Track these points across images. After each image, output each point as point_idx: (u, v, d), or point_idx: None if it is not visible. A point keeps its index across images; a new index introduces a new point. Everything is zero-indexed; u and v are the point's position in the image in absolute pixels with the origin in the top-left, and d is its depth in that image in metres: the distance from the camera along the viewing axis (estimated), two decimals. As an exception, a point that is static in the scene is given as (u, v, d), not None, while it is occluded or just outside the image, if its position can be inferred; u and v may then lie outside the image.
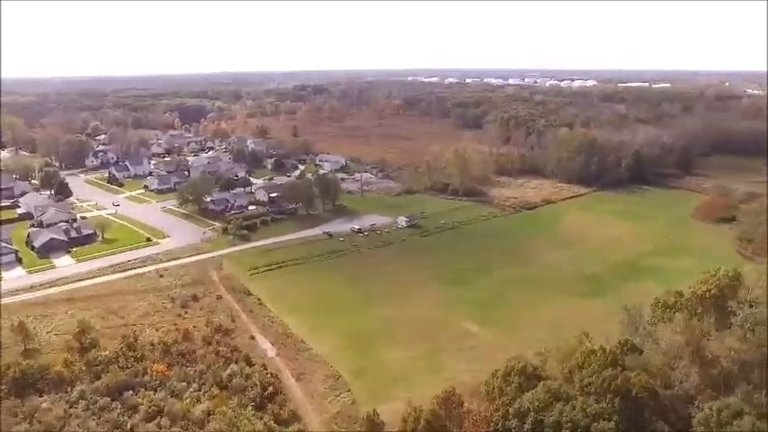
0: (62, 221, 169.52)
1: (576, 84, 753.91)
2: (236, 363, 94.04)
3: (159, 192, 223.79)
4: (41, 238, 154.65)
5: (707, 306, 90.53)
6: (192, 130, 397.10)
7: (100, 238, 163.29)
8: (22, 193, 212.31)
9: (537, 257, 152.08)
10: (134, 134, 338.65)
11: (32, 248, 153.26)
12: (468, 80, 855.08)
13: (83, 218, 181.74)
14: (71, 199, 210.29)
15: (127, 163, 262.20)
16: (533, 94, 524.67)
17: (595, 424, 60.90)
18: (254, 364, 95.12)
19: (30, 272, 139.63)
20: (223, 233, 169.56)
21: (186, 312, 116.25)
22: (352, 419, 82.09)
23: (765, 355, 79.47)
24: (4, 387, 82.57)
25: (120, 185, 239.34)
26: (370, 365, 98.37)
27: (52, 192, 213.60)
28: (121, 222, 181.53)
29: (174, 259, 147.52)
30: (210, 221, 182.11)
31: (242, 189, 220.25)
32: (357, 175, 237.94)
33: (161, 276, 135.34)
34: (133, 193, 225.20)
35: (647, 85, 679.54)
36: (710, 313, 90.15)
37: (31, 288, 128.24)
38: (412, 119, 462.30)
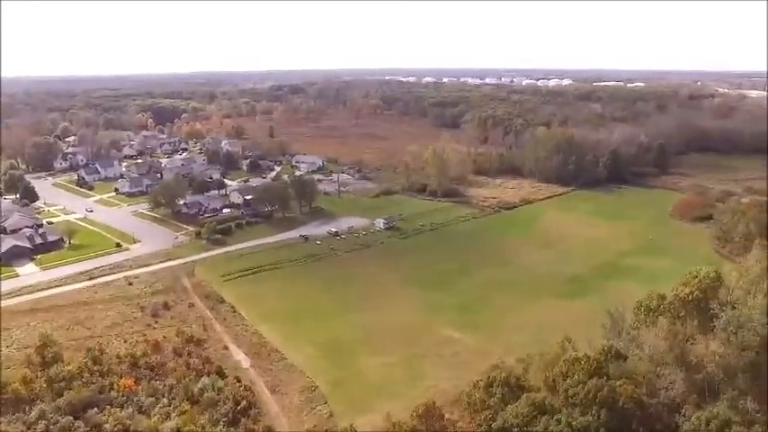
0: (26, 227, 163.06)
1: (553, 83, 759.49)
2: (207, 375, 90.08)
3: (130, 195, 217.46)
4: (3, 245, 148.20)
5: (689, 309, 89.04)
6: (166, 131, 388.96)
7: (67, 245, 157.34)
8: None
9: (517, 258, 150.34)
10: (105, 135, 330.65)
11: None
12: (445, 80, 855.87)
13: (49, 223, 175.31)
14: (37, 203, 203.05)
15: (97, 165, 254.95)
16: (510, 94, 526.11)
17: (582, 437, 58.68)
18: (226, 377, 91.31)
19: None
20: (196, 237, 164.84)
21: (156, 322, 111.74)
22: (330, 434, 78.90)
23: (749, 358, 78.46)
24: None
25: (90, 189, 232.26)
26: (348, 375, 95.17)
27: (17, 196, 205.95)
28: (90, 227, 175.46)
29: (145, 266, 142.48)
30: (183, 225, 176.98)
31: (216, 191, 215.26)
32: (334, 176, 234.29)
33: (130, 284, 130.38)
34: (103, 197, 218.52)
35: (621, 84, 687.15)
36: (693, 316, 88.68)
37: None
38: (389, 118, 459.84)
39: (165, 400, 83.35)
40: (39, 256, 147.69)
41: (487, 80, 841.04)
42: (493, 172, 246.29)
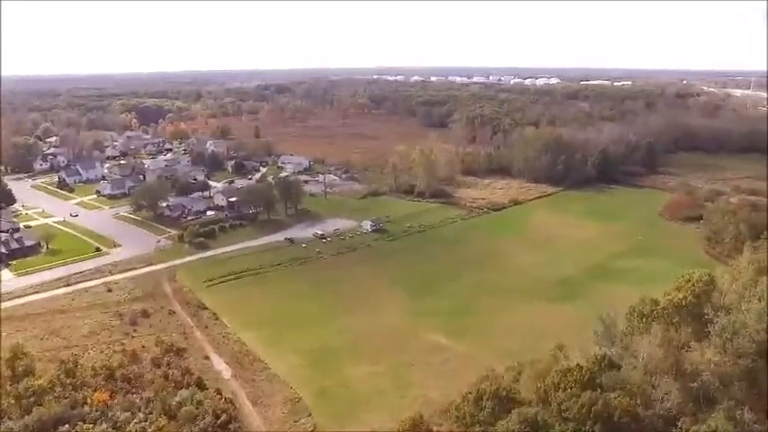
0: (1, 232, 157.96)
1: (540, 82, 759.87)
2: (187, 387, 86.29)
3: (112, 197, 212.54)
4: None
5: (683, 315, 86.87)
6: (150, 132, 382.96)
7: (44, 250, 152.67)
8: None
9: (506, 261, 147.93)
10: (88, 136, 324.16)
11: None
12: (433, 78, 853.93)
13: (27, 227, 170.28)
14: (15, 206, 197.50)
15: (78, 167, 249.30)
16: (498, 93, 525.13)
17: (575, 454, 56.06)
18: (206, 388, 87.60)
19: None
20: (179, 241, 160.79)
21: (135, 330, 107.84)
22: (313, 449, 75.82)
23: (745, 366, 76.42)
24: None
25: (71, 191, 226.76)
26: (334, 385, 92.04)
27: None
28: (69, 231, 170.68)
29: (125, 271, 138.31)
30: (166, 228, 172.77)
31: (200, 193, 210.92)
32: (320, 177, 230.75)
33: (109, 290, 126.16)
34: (84, 199, 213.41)
35: (608, 83, 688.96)
36: (687, 322, 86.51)
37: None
38: (377, 118, 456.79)
39: (142, 415, 79.40)
40: (14, 262, 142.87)
41: (475, 79, 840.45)
42: (481, 172, 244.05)
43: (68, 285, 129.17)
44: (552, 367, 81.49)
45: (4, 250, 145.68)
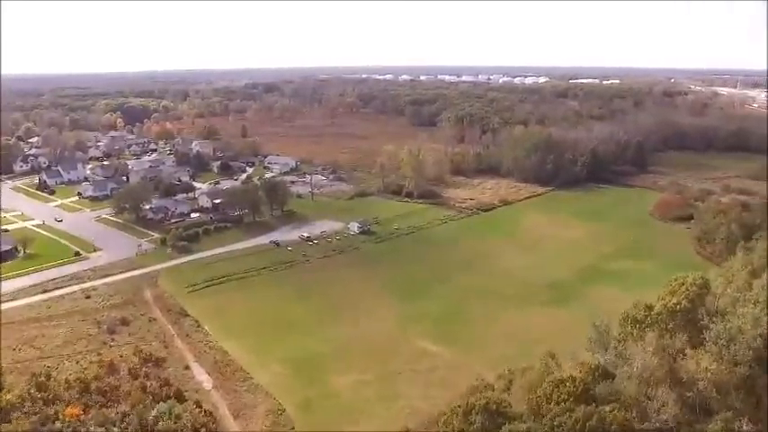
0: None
1: (529, 80, 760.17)
2: (165, 400, 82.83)
3: (94, 199, 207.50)
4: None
5: (678, 320, 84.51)
6: (136, 132, 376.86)
7: (21, 254, 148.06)
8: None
9: (496, 263, 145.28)
10: (70, 136, 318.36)
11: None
12: (422, 77, 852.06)
13: (4, 230, 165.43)
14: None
15: (59, 168, 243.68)
16: (487, 91, 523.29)
17: (570, 472, 53.31)
18: (186, 401, 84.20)
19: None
20: (161, 245, 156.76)
21: (113, 339, 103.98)
22: (296, 465, 72.63)
23: (742, 374, 74.16)
24: None
25: (51, 193, 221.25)
26: (319, 395, 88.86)
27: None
28: (48, 235, 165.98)
29: (105, 276, 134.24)
30: (148, 232, 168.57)
31: (184, 195, 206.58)
32: (308, 178, 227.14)
33: (87, 297, 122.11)
34: (65, 201, 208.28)
35: (597, 81, 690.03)
36: (682, 328, 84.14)
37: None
38: (366, 117, 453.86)
39: (117, 430, 75.98)
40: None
41: (464, 78, 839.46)
42: (470, 172, 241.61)
43: (45, 292, 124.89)
44: (544, 376, 78.99)
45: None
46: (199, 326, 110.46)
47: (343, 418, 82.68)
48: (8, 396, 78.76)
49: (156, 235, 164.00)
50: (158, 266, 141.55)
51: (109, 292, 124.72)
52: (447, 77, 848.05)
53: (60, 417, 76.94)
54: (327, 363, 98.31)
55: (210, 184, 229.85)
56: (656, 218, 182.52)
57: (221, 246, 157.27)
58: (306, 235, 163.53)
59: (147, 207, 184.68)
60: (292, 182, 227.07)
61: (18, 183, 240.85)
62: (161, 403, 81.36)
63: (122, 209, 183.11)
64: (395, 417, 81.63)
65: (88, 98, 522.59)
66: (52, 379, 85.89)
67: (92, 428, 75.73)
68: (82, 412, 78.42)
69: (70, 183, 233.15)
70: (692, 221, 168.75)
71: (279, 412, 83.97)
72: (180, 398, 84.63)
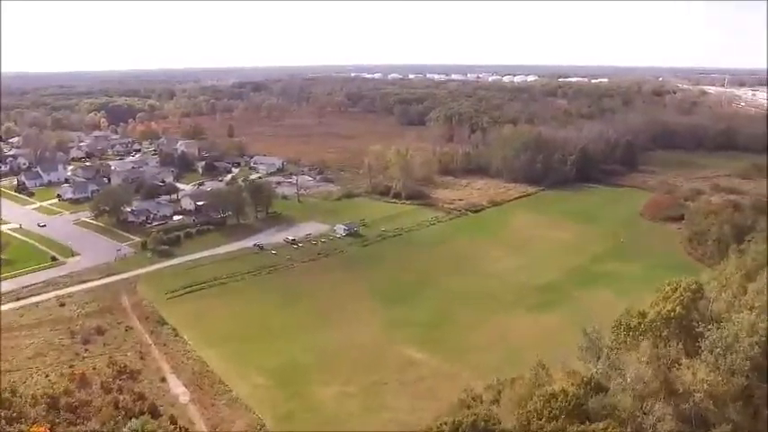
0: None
1: (518, 79, 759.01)
2: (138, 416, 78.79)
3: (74, 201, 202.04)
4: None
5: (672, 328, 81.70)
6: (120, 132, 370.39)
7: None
8: None
9: (485, 266, 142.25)
10: (52, 136, 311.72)
11: None
12: (411, 76, 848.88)
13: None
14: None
15: (39, 169, 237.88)
16: (476, 90, 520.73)
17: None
18: (161, 416, 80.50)
19: None
20: (141, 249, 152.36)
21: (86, 350, 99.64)
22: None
23: (739, 384, 71.44)
24: None
25: (30, 195, 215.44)
26: (300, 407, 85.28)
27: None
28: (25, 239, 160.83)
29: (81, 282, 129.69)
30: (129, 235, 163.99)
31: (167, 197, 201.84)
32: (294, 178, 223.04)
33: (62, 305, 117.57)
34: (44, 204, 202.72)
35: (586, 80, 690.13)
36: (677, 335, 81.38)
37: None
38: (354, 116, 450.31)
39: (86, 450, 72.14)
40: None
41: (453, 76, 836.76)
42: (459, 172, 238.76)
43: (18, 300, 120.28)
44: (534, 388, 75.95)
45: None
46: (177, 334, 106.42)
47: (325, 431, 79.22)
48: (-31, 414, 74.42)
49: (137, 238, 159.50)
50: (138, 271, 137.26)
51: (85, 300, 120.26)
52: (436, 76, 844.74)
53: (25, 436, 72.77)
54: (311, 372, 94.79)
55: (195, 185, 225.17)
56: (647, 218, 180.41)
57: (204, 249, 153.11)
58: (291, 238, 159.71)
59: (128, 209, 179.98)
60: (278, 183, 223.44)
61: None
62: (133, 420, 77.20)
63: (102, 211, 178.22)
64: (380, 430, 78.31)
65: (72, 97, 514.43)
66: (18, 394, 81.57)
67: (59, 448, 71.81)
68: (49, 430, 74.31)
69: (50, 184, 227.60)
70: (683, 222, 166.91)
71: (258, 427, 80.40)
72: (154, 413, 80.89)
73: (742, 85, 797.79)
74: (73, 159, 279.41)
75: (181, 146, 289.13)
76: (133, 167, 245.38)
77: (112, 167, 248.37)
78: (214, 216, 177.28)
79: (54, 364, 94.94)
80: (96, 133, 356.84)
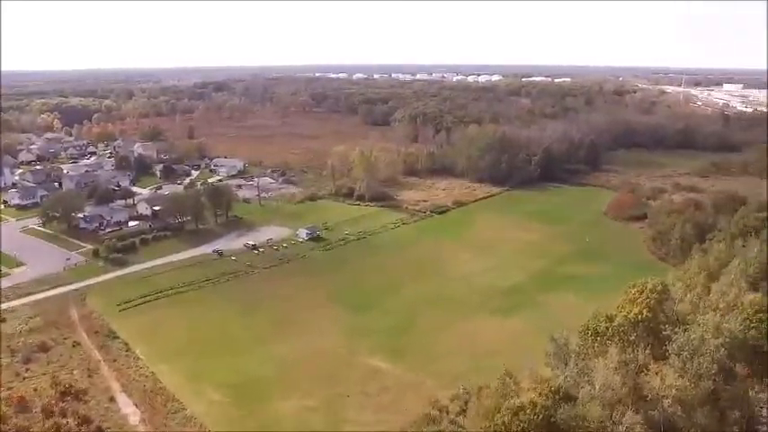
0: None
1: (483, 79, 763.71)
2: (82, 440, 73.70)
3: (22, 208, 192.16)
4: None
5: (640, 332, 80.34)
6: (74, 133, 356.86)
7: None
8: None
9: (450, 269, 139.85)
10: None
11: None
12: (376, 76, 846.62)
13: None
14: None
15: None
16: (441, 90, 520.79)
17: None
18: (107, 439, 75.23)
19: None
20: (93, 257, 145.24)
21: (28, 370, 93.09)
22: None
23: (706, 389, 70.28)
24: None
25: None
26: (259, 425, 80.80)
27: None
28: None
29: (26, 295, 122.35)
30: (80, 243, 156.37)
31: (123, 201, 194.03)
32: (256, 181, 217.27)
33: (3, 320, 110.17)
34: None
35: (549, 79, 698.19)
36: (644, 339, 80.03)
37: None
38: (318, 116, 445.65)
39: (23, 481, 66.59)
40: None
41: (419, 76, 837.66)
42: (424, 172, 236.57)
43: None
44: (502, 399, 73.49)
45: None
46: (129, 349, 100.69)
47: (284, 451, 75.30)
48: None
49: (89, 246, 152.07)
50: (88, 282, 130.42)
51: (29, 314, 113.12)
52: (401, 76, 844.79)
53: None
54: (270, 386, 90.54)
55: (152, 189, 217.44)
56: (611, 217, 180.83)
57: (160, 257, 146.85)
58: (251, 243, 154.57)
59: (80, 215, 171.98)
60: (239, 185, 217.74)
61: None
62: (77, 445, 72.20)
63: (52, 218, 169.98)
64: (342, 447, 74.87)
65: (22, 97, 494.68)
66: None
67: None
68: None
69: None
70: (646, 221, 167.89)
71: (213, 448, 75.87)
72: (100, 437, 75.57)
73: (698, 84, 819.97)
74: (22, 163, 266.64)
75: (138, 148, 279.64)
76: (87, 171, 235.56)
77: (65, 171, 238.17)
78: (172, 221, 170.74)
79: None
80: (48, 135, 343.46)
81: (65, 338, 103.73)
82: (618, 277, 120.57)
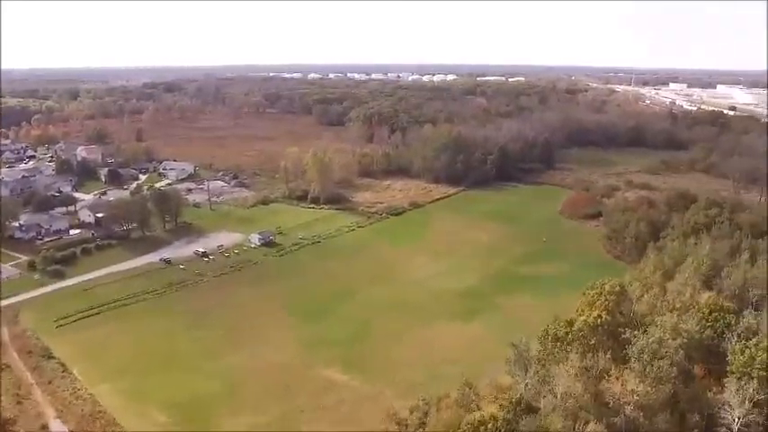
0: None
1: (438, 78, 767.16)
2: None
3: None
4: None
5: (600, 335, 79.07)
6: (11, 136, 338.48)
7: None
8: None
9: (407, 273, 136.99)
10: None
11: None
12: (331, 75, 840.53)
13: None
14: None
15: None
16: (396, 89, 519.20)
17: None
18: (38, 472, 69.06)
19: None
20: (29, 269, 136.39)
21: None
22: None
23: (667, 392, 69.29)
24: None
25: None
26: (207, 447, 76.15)
27: None
28: None
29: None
30: (14, 254, 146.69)
31: (64, 208, 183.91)
32: (206, 184, 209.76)
33: None
34: None
35: (504, 78, 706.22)
36: (605, 343, 78.83)
37: None
38: (272, 117, 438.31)
39: None
40: None
41: (374, 76, 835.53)
42: (379, 173, 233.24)
43: None
44: (461, 408, 71.21)
45: None
46: (66, 369, 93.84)
47: (234, 475, 70.73)
48: None
49: (24, 258, 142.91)
50: (22, 297, 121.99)
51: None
52: (356, 76, 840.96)
53: None
54: (219, 403, 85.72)
55: (96, 194, 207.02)
56: (566, 216, 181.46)
57: (103, 267, 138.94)
58: (201, 250, 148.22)
59: (16, 224, 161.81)
60: (189, 189, 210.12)
61: None
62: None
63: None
64: (296, 469, 70.84)
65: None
66: None
67: None
68: None
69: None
70: (601, 219, 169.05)
71: (156, 476, 70.65)
72: (30, 469, 69.34)
73: (646, 83, 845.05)
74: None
75: (82, 151, 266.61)
76: (24, 176, 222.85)
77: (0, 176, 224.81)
78: (117, 229, 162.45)
79: None
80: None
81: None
82: (575, 277, 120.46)
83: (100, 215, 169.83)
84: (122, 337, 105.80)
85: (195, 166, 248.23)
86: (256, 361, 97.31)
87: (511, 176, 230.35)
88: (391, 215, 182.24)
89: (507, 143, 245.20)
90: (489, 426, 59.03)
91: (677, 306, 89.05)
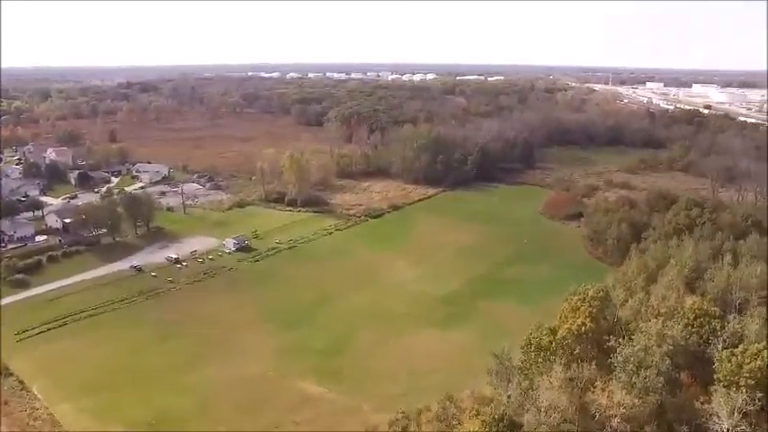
0: None
1: (417, 78, 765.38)
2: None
3: None
4: None
5: (584, 344, 76.50)
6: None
7: None
8: None
9: (386, 277, 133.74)
10: None
11: None
12: (310, 75, 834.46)
13: None
14: None
15: None
16: (376, 89, 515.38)
17: None
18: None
19: None
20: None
21: None
22: None
23: (654, 403, 66.99)
24: None
25: None
26: (175, 468, 72.07)
27: None
28: None
29: None
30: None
31: (30, 214, 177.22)
32: (180, 187, 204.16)
33: None
34: None
35: (483, 78, 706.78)
36: (589, 351, 76.30)
37: None
38: (250, 117, 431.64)
39: None
40: None
41: (353, 75, 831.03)
42: (358, 174, 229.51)
43: None
44: (441, 422, 68.22)
45: None
46: (24, 387, 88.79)
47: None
48: None
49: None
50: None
51: None
52: (336, 75, 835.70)
53: None
54: (190, 420, 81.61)
55: (65, 199, 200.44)
56: (547, 217, 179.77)
57: (70, 275, 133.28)
58: (174, 256, 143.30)
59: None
60: (163, 192, 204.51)
61: None
62: None
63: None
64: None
65: None
66: None
67: None
68: None
69: None
70: (582, 220, 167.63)
71: (119, 502, 66.43)
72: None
73: (623, 83, 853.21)
74: None
75: (51, 153, 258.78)
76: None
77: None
78: (85, 235, 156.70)
79: None
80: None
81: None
82: (558, 280, 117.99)
83: (68, 220, 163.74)
84: (88, 351, 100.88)
85: (170, 168, 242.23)
86: (230, 373, 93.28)
87: (491, 177, 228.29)
88: (370, 217, 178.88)
89: (487, 143, 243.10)
90: (472, 445, 55.97)
91: (662, 311, 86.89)
